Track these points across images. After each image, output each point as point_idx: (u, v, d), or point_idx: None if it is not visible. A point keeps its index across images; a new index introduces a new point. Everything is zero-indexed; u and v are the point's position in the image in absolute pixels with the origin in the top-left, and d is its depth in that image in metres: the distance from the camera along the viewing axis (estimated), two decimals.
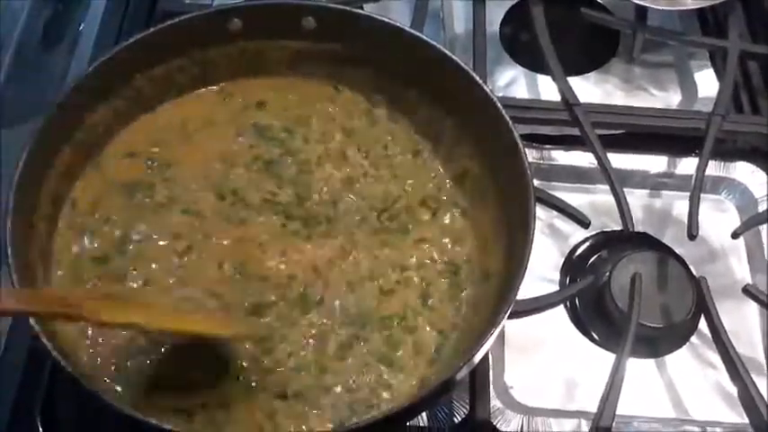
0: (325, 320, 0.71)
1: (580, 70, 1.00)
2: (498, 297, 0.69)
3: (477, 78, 0.76)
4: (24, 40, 0.89)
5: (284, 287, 0.72)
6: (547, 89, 0.98)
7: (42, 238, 0.70)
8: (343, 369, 0.69)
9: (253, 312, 0.71)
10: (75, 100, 0.73)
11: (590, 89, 1.00)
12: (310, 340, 0.70)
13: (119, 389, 0.66)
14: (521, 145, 0.72)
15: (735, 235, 0.83)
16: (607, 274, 0.82)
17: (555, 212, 0.83)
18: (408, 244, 0.76)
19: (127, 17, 0.96)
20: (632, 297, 0.78)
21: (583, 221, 0.79)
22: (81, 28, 0.93)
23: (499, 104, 0.74)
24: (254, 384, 0.67)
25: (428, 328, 0.72)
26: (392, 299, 0.73)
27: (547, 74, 0.94)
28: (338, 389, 0.68)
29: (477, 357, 0.64)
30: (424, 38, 0.79)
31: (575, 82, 0.94)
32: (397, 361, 0.70)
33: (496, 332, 0.64)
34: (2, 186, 0.68)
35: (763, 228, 0.88)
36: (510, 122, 0.73)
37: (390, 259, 0.75)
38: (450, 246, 0.76)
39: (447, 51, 0.77)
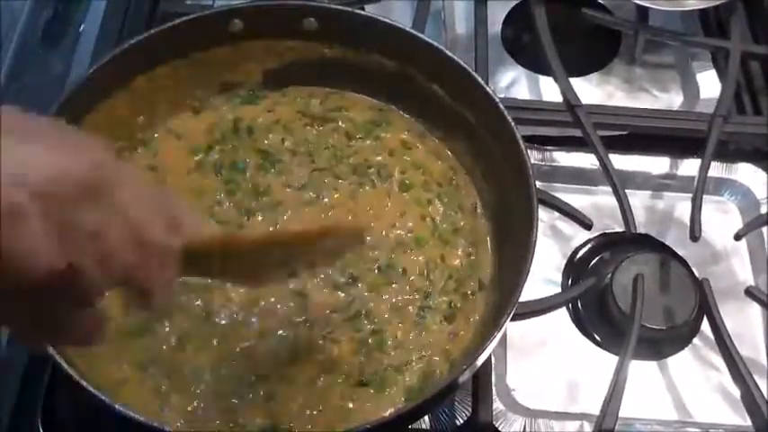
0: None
1: (582, 71, 1.00)
2: (501, 299, 0.69)
3: (479, 79, 0.76)
4: (24, 41, 0.89)
5: None
6: (548, 90, 0.97)
7: None
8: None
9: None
10: (76, 101, 0.73)
11: (592, 90, 0.99)
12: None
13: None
14: (523, 146, 0.71)
15: (738, 237, 0.82)
16: (609, 275, 0.82)
17: (557, 214, 0.83)
18: None
19: (128, 18, 0.96)
20: (635, 299, 0.77)
21: (585, 223, 0.78)
22: (81, 29, 0.93)
23: (501, 106, 0.74)
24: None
25: None
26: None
27: (548, 75, 0.94)
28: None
29: (481, 360, 0.64)
30: (426, 39, 0.78)
31: (576, 83, 0.94)
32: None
33: (499, 335, 0.64)
34: None
35: (765, 229, 0.88)
36: (512, 124, 0.73)
37: None
38: None
39: (449, 52, 0.77)
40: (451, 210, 0.78)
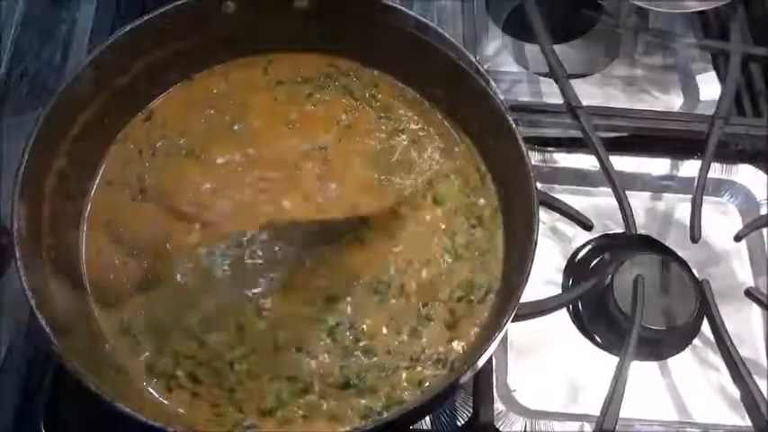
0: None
1: (582, 72, 1.00)
2: (502, 301, 0.69)
3: (482, 81, 0.76)
4: (23, 29, 0.89)
5: None
6: (549, 91, 0.97)
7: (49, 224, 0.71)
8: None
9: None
10: (77, 88, 0.73)
11: (592, 92, 0.99)
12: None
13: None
14: (525, 149, 0.71)
15: (738, 238, 0.82)
16: (609, 276, 0.82)
17: (557, 215, 0.83)
18: None
19: (122, 3, 0.96)
20: (635, 300, 0.78)
21: (586, 224, 0.78)
22: (77, 16, 0.93)
23: (504, 107, 0.74)
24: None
25: None
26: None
27: (549, 76, 0.94)
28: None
29: (482, 361, 0.64)
30: (430, 39, 0.78)
31: (577, 84, 0.94)
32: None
33: (500, 336, 0.64)
34: (2, 175, 0.68)
35: (765, 230, 0.88)
36: (514, 126, 0.72)
37: None
38: None
39: (451, 54, 0.77)
40: (470, 221, 0.77)
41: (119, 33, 0.75)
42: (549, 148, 0.92)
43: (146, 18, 0.76)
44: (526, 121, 0.88)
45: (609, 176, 0.84)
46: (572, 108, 0.88)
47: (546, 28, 0.95)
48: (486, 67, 0.93)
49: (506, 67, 1.02)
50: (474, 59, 0.76)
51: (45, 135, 0.69)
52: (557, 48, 0.94)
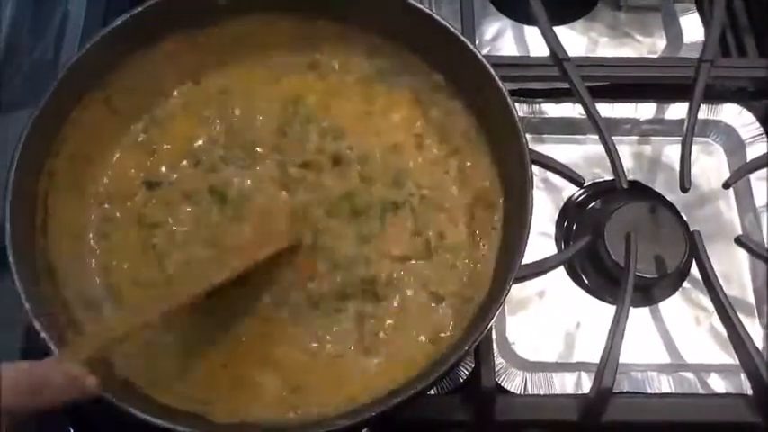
0: None
1: (566, 19, 1.00)
2: (500, 268, 0.71)
3: (467, 41, 0.75)
4: (14, 25, 0.88)
5: None
6: (534, 41, 0.97)
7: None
8: None
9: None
10: (70, 84, 0.72)
11: (576, 38, 0.99)
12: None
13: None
14: (516, 114, 0.71)
15: (726, 185, 0.83)
16: (601, 228, 0.83)
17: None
18: None
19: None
20: (628, 254, 0.78)
21: (577, 181, 0.79)
22: (69, 10, 0.91)
23: (489, 66, 0.73)
24: None
25: None
26: None
27: (533, 25, 0.93)
28: None
29: (487, 329, 0.66)
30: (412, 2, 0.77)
31: (561, 31, 0.93)
32: None
33: (500, 306, 0.66)
34: None
35: None
36: (504, 89, 0.72)
37: None
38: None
39: (436, 15, 0.76)
40: None
41: (108, 29, 0.74)
42: (538, 99, 0.91)
43: (135, 11, 0.74)
44: (513, 77, 0.88)
45: (598, 129, 0.83)
46: (559, 61, 0.87)
47: None
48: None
49: (491, 17, 1.01)
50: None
51: (36, 135, 0.69)
52: None
